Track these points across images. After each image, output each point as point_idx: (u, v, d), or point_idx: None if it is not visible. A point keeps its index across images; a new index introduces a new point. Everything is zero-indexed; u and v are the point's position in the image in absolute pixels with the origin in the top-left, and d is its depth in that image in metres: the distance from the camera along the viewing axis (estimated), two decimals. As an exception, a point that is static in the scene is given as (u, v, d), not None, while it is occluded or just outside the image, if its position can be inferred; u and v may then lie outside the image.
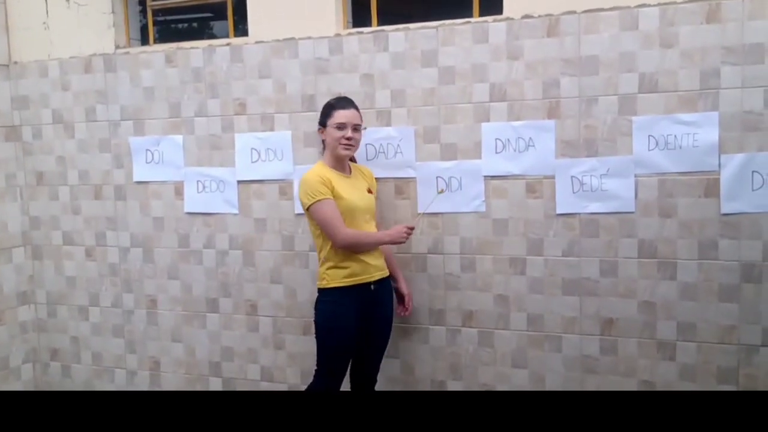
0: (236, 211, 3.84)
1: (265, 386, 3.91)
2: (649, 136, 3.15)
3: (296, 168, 3.68)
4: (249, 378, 3.94)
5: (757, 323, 3.09)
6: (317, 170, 3.16)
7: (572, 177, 3.27)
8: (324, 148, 3.27)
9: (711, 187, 3.08)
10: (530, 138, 3.32)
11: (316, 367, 3.27)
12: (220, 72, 3.80)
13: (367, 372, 3.39)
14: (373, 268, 3.21)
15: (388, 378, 3.66)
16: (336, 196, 3.10)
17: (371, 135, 3.53)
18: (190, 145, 3.90)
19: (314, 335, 3.26)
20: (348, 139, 3.16)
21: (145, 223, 4.04)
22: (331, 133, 3.17)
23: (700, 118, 3.07)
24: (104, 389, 4.26)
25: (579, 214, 3.28)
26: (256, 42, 3.72)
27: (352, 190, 3.19)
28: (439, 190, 3.42)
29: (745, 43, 3.00)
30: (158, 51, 3.94)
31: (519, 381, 3.44)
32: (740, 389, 3.12)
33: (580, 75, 3.23)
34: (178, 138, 3.91)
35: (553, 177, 3.30)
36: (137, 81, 3.98)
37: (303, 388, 3.79)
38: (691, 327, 3.18)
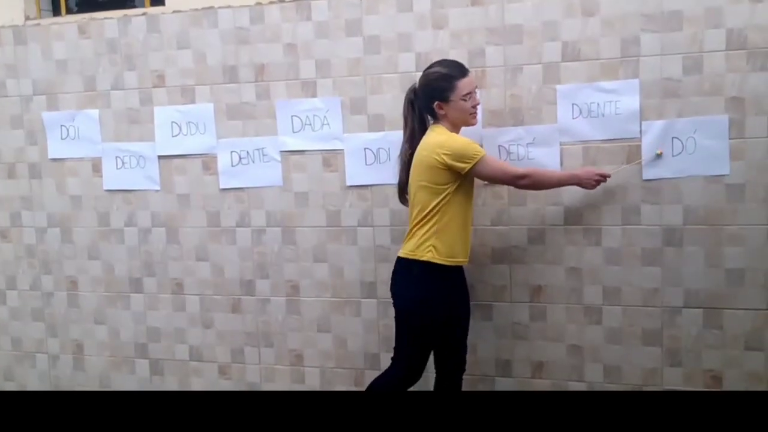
0: (158, 188, 3.73)
1: (194, 366, 3.83)
2: (572, 104, 3.18)
3: (219, 141, 3.59)
4: (177, 358, 3.85)
5: (679, 285, 3.17)
6: (450, 133, 2.90)
7: (499, 146, 3.28)
8: (437, 120, 2.95)
9: (633, 154, 3.13)
10: (457, 108, 3.31)
11: (393, 358, 3.06)
12: (137, 43, 3.65)
13: (458, 360, 3.14)
14: (469, 251, 3.01)
15: (320, 352, 3.64)
16: None
17: (296, 106, 3.47)
18: (107, 119, 3.75)
19: (395, 318, 3.00)
20: (474, 106, 2.94)
21: (63, 201, 3.88)
22: (460, 106, 2.89)
23: (622, 86, 3.11)
24: (25, 375, 4.11)
25: (506, 183, 3.30)
26: (174, 11, 3.59)
27: None
28: (658, 151, 3.11)
29: (664, 10, 3.04)
30: (70, 22, 3.76)
31: (450, 350, 3.46)
32: (664, 350, 3.22)
33: (504, 44, 3.22)
34: (94, 112, 3.76)
35: (480, 146, 3.29)
36: (49, 54, 3.79)
37: (233, 366, 3.76)
38: (616, 291, 3.24)
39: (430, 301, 2.91)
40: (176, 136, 3.66)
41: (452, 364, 3.13)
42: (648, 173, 3.13)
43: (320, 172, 3.50)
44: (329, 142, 3.47)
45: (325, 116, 3.45)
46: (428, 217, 2.89)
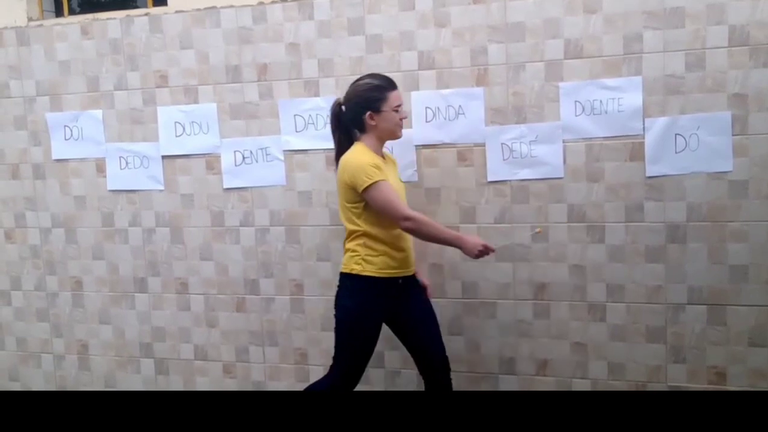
0: (162, 187, 3.74)
1: (199, 365, 3.84)
2: (575, 101, 3.18)
3: (223, 141, 3.60)
4: (182, 358, 3.86)
5: (683, 282, 3.17)
6: (364, 153, 2.89)
7: (502, 144, 3.28)
8: (363, 132, 2.97)
9: (636, 151, 3.14)
10: (460, 106, 3.31)
11: (332, 363, 3.07)
12: (139, 43, 3.66)
13: (437, 360, 3.11)
14: (409, 263, 3.04)
15: (324, 350, 3.64)
16: None
17: (299, 106, 3.48)
18: (110, 119, 3.76)
19: (334, 327, 3.02)
20: (402, 119, 2.99)
21: (67, 202, 3.89)
22: (390, 117, 2.92)
23: (625, 83, 3.12)
24: (30, 375, 4.12)
25: (509, 181, 3.30)
26: (176, 11, 3.60)
27: (392, 177, 2.99)
28: (537, 230, 3.26)
29: (666, 7, 3.04)
30: (73, 23, 3.77)
31: (455, 348, 3.46)
32: (668, 347, 3.22)
33: (506, 42, 3.22)
34: (98, 113, 3.77)
35: (483, 145, 3.30)
36: (52, 54, 3.80)
37: (238, 365, 3.77)
38: (619, 288, 3.25)
39: (362, 313, 2.96)
40: (180, 136, 3.67)
41: (425, 366, 3.13)
42: (651, 170, 3.13)
43: (323, 171, 3.51)
44: (332, 141, 3.46)
45: (327, 115, 3.43)
46: (353, 233, 2.96)
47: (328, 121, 3.43)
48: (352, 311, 2.97)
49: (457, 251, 3.34)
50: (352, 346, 3.01)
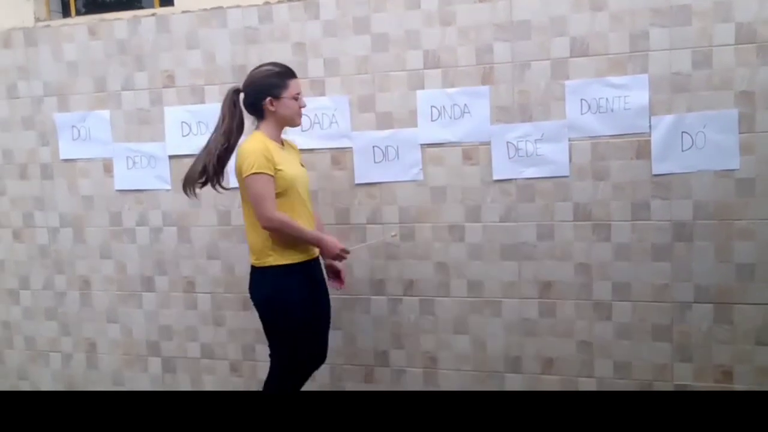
0: (169, 187, 3.75)
1: (206, 364, 3.85)
2: (581, 99, 3.18)
3: (229, 141, 3.61)
4: (189, 356, 3.87)
5: (689, 281, 3.16)
6: (259, 142, 2.89)
7: (507, 143, 3.28)
8: (262, 119, 3.00)
9: (642, 149, 3.13)
10: (465, 105, 3.31)
11: (270, 355, 3.10)
12: (146, 43, 3.68)
13: (318, 351, 3.20)
14: (312, 247, 3.08)
15: (330, 349, 3.63)
16: (278, 169, 2.89)
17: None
18: (117, 120, 3.77)
19: (261, 321, 3.05)
20: (301, 107, 3.03)
21: (75, 202, 3.91)
22: (289, 105, 2.96)
23: (631, 81, 3.11)
24: (39, 374, 4.14)
25: (515, 179, 3.30)
26: (183, 12, 3.61)
27: (291, 163, 3.02)
28: (393, 233, 3.36)
29: (673, 4, 3.03)
30: (80, 23, 3.79)
31: (461, 347, 3.47)
32: (675, 346, 3.21)
33: (512, 40, 3.22)
34: (105, 113, 3.79)
35: (488, 143, 3.30)
36: (59, 55, 3.82)
37: (244, 364, 3.79)
38: (625, 287, 3.24)
39: (285, 300, 2.96)
40: (186, 135, 3.68)
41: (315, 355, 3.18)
42: (657, 168, 3.12)
43: (329, 171, 3.51)
44: (338, 140, 3.48)
45: (333, 114, 3.46)
46: (256, 224, 2.94)
47: (334, 120, 3.46)
48: (273, 301, 2.98)
49: (462, 249, 3.38)
50: (284, 333, 3.01)
